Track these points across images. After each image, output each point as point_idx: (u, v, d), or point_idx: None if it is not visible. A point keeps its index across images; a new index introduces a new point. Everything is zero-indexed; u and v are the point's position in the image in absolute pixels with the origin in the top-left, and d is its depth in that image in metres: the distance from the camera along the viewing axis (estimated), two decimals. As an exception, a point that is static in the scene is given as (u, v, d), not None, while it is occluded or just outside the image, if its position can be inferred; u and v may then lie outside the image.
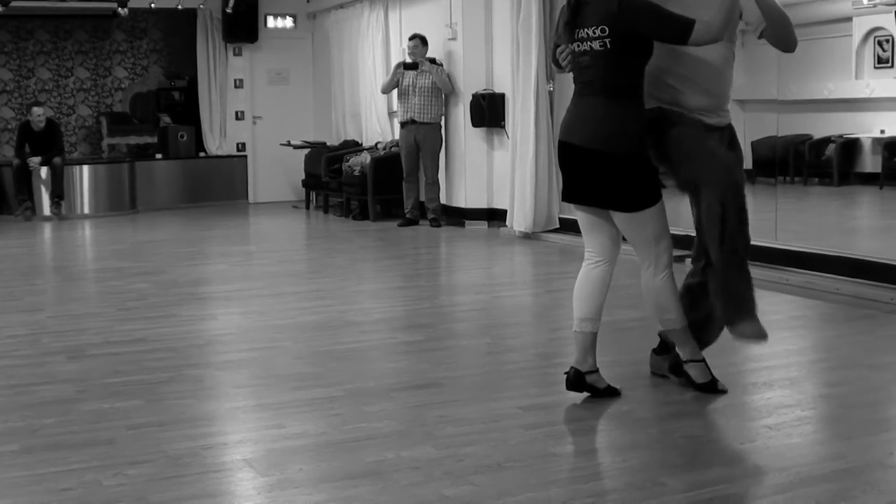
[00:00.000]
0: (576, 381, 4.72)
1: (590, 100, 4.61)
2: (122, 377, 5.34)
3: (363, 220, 12.97)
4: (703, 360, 4.85)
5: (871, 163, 14.13)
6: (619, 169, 4.52)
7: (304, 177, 14.86)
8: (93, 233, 12.72)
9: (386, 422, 4.48)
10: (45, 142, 13.95)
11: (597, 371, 4.75)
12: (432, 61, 12.10)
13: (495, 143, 11.80)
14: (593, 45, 4.52)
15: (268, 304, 7.50)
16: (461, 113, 11.96)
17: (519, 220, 10.90)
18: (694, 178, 4.65)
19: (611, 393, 4.77)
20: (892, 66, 13.94)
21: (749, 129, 14.74)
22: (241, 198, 16.13)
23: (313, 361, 5.69)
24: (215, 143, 16.18)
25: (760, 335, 4.63)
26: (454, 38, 12.02)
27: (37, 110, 14.07)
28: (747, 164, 15.78)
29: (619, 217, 4.62)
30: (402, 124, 12.27)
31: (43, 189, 13.98)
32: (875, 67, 14.22)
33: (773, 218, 8.89)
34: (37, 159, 13.81)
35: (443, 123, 12.25)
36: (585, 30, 4.54)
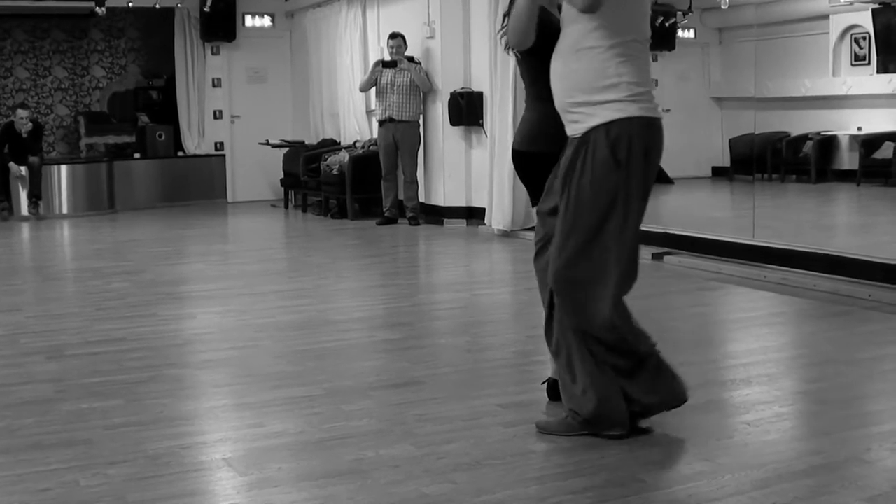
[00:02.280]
0: (557, 390, 4.71)
1: (526, 104, 4.68)
2: (101, 377, 5.32)
3: (342, 218, 12.96)
4: None
5: (848, 160, 14.21)
6: (548, 167, 4.44)
7: (282, 176, 14.85)
8: (71, 233, 12.66)
9: (365, 420, 4.49)
10: (28, 144, 13.84)
11: None
12: (410, 59, 12.10)
13: (473, 142, 11.80)
14: (514, 54, 4.61)
15: (247, 303, 7.49)
16: (439, 111, 11.96)
17: (497, 218, 10.91)
18: None
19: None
20: (868, 64, 14.02)
21: (726, 127, 14.85)
22: (219, 197, 16.09)
23: (292, 360, 5.68)
24: (194, 143, 16.13)
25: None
26: (432, 37, 12.03)
27: (21, 112, 13.90)
28: (725, 160, 15.83)
29: None
30: (381, 122, 12.27)
31: (21, 189, 13.91)
32: (852, 65, 14.30)
33: (751, 215, 8.93)
34: (25, 171, 13.69)
35: (421, 122, 12.25)
36: None
